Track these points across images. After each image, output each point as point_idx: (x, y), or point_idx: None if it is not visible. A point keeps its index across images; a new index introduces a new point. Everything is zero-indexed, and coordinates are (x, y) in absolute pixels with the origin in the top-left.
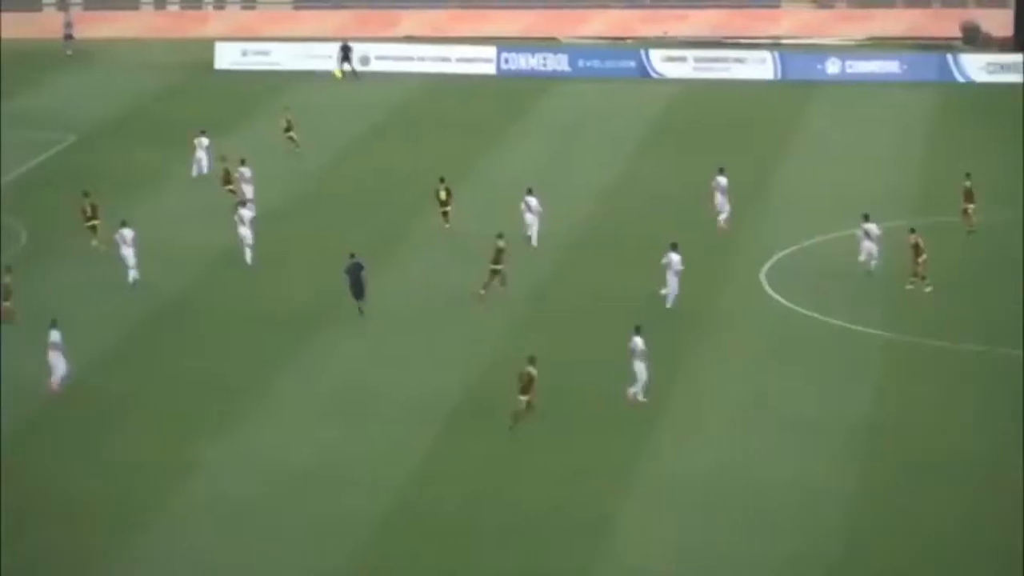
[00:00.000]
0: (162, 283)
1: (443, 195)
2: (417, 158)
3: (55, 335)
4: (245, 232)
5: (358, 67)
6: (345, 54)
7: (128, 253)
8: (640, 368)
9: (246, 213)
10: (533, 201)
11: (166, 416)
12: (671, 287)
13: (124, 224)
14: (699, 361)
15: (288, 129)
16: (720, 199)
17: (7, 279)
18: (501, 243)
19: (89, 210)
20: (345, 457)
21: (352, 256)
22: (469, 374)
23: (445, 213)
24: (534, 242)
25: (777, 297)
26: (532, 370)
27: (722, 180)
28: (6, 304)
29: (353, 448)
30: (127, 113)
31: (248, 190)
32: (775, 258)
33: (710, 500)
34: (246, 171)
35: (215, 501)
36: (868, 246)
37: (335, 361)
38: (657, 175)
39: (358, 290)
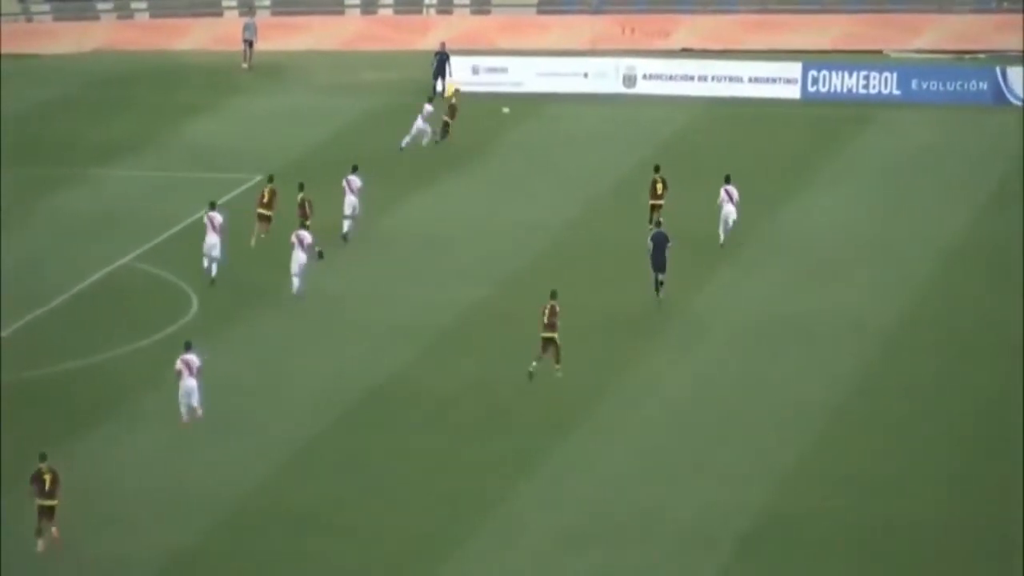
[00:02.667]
0: (363, 363)
1: (659, 188)
2: (696, 205)
3: (193, 359)
4: (300, 257)
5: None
6: (440, 66)
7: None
8: None
9: (304, 235)
10: None
11: (367, 536)
12: None
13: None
14: None
15: (451, 115)
16: None
17: None
18: None
19: (308, 208)
20: None
21: (659, 225)
22: (765, 489)
23: (655, 207)
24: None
25: None
26: None
27: None
28: None
29: None
30: (326, 146)
31: (351, 203)
32: None
33: None
34: (355, 180)
35: None
36: None
37: (589, 470)
38: (1015, 235)
39: (659, 262)
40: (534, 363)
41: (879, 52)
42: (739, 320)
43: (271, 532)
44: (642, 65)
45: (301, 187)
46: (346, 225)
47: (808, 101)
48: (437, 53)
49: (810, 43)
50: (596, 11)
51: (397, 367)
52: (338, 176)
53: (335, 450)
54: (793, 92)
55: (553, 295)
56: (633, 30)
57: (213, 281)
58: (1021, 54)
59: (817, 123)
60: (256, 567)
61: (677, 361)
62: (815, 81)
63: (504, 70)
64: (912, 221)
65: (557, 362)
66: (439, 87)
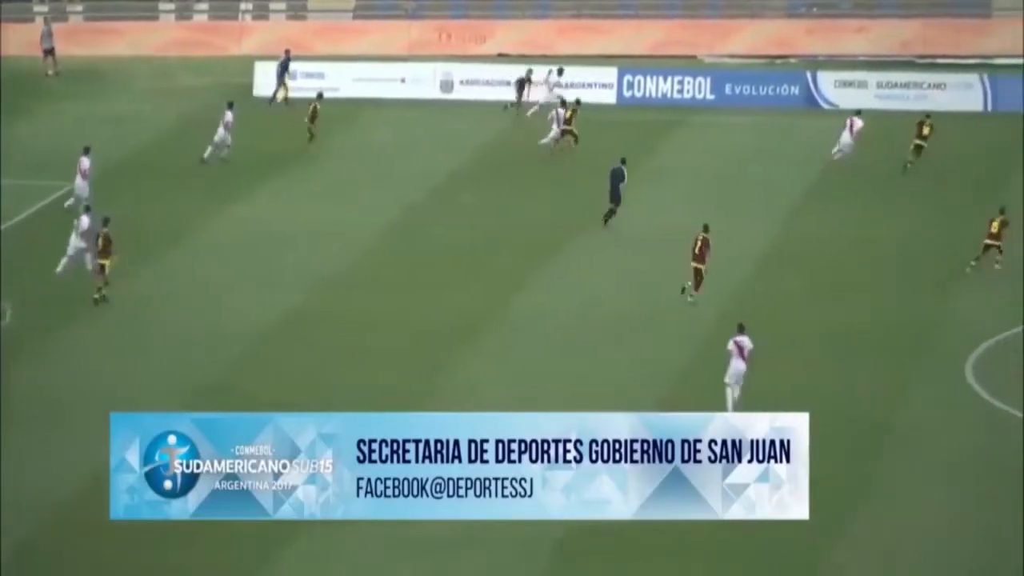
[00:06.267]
0: (184, 368)
1: (567, 113)
2: (513, 211)
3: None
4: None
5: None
6: (282, 71)
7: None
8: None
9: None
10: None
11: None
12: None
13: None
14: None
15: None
16: None
17: None
18: None
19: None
20: None
21: (623, 161)
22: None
23: (566, 132)
24: None
25: (985, 395)
26: None
27: None
28: None
29: None
30: (141, 152)
31: (220, 135)
32: (984, 346)
33: None
34: (228, 115)
35: None
36: None
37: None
38: (829, 236)
39: (614, 195)
40: (692, 294)
41: (693, 57)
42: (559, 320)
43: (91, 538)
44: (459, 70)
45: (105, 222)
46: (209, 150)
47: (624, 105)
48: (283, 59)
49: (625, 48)
50: (413, 16)
51: (218, 371)
52: (158, 182)
53: None
54: (609, 97)
55: (705, 229)
56: (450, 35)
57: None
58: (831, 58)
59: (633, 127)
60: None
61: (496, 363)
62: (631, 86)
63: (321, 75)
64: (728, 223)
65: (696, 289)
66: (280, 94)
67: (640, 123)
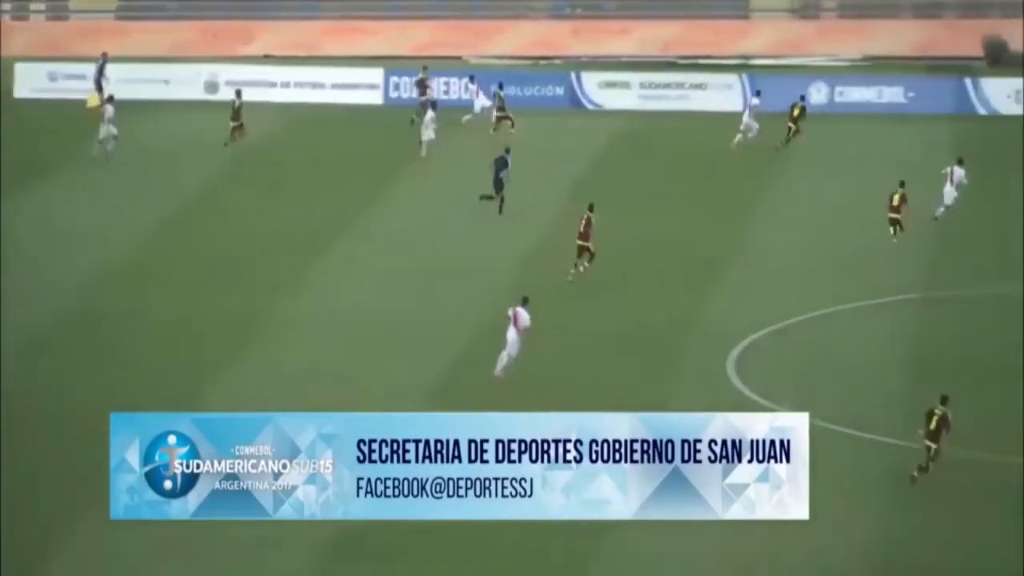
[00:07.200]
0: None
1: (497, 101)
2: (279, 214)
3: None
4: None
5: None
6: (100, 72)
7: None
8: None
9: None
10: None
11: None
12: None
13: None
14: None
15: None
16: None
17: None
18: None
19: None
20: None
21: (507, 151)
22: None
23: (502, 119)
24: None
25: (747, 392)
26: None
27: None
28: None
29: None
30: None
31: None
32: (744, 343)
33: None
34: (110, 109)
35: None
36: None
37: None
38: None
39: (497, 185)
40: (572, 270)
41: (459, 58)
42: (328, 321)
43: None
44: (224, 71)
45: None
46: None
47: (391, 106)
48: (99, 63)
49: (391, 49)
50: (176, 17)
51: None
52: None
53: None
54: (376, 98)
55: (591, 208)
56: (215, 35)
57: None
58: (594, 59)
59: (399, 128)
60: None
61: (268, 364)
62: (397, 87)
63: (83, 77)
64: (496, 223)
65: (588, 263)
66: (93, 100)
67: (406, 124)
